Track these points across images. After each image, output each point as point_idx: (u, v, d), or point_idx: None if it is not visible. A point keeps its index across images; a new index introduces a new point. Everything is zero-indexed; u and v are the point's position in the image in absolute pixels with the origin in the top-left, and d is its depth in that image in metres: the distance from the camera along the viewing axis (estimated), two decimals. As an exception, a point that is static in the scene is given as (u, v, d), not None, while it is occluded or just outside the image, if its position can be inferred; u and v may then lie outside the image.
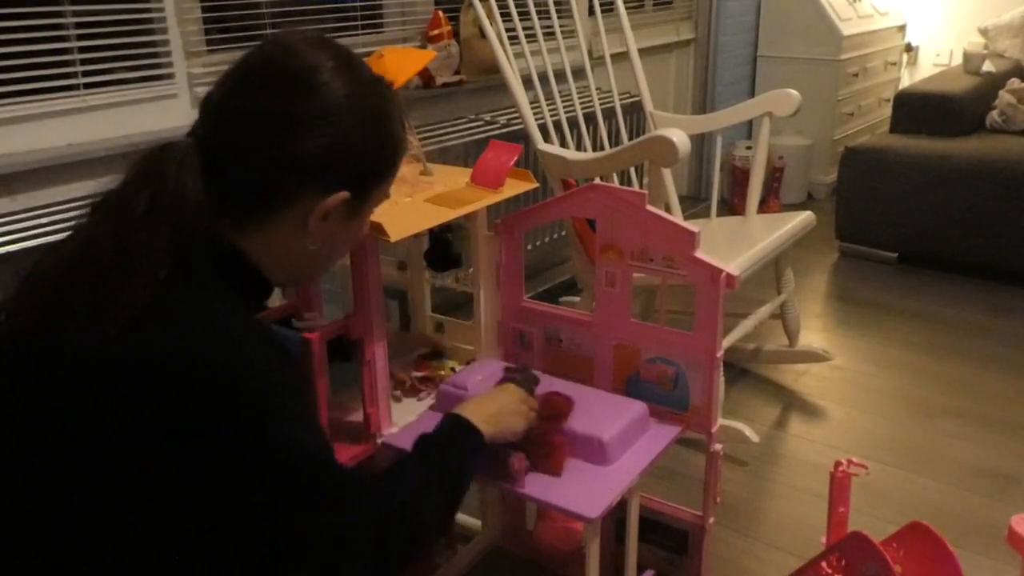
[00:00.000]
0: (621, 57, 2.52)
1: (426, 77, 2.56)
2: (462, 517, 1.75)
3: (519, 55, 2.17)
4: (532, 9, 2.20)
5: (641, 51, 2.58)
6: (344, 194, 0.92)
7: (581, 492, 1.20)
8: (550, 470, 1.24)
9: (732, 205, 3.96)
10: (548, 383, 1.39)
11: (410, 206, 1.29)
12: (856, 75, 4.03)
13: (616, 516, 1.51)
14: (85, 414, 0.79)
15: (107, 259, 0.82)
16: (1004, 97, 3.41)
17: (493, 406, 1.15)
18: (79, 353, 0.80)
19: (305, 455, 0.84)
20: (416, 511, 0.92)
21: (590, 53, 2.69)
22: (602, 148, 2.48)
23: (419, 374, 1.51)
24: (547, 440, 1.25)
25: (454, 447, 1.06)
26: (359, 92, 0.91)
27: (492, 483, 1.24)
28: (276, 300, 1.69)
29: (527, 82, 2.16)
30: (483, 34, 2.13)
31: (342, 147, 0.91)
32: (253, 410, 0.81)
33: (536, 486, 1.22)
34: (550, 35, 2.27)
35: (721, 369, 1.44)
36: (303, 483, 0.82)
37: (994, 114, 3.42)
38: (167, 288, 0.82)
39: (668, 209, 2.35)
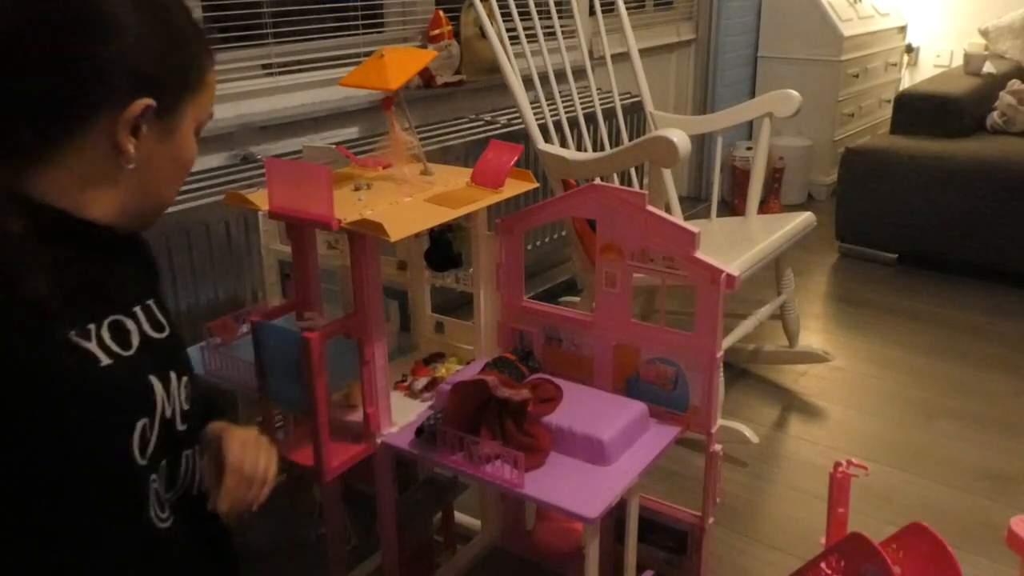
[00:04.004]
0: (622, 57, 2.52)
1: (427, 77, 2.56)
2: (462, 517, 1.75)
3: (520, 55, 2.17)
4: (533, 9, 2.20)
5: (642, 51, 2.58)
6: (147, 100, 0.86)
7: (581, 492, 1.20)
8: (535, 448, 1.25)
9: (732, 206, 3.96)
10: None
11: (410, 206, 1.29)
12: (856, 76, 4.03)
13: (615, 516, 1.51)
14: None
15: None
16: (1004, 98, 3.41)
17: None
18: None
19: None
20: None
21: (591, 53, 2.69)
22: (602, 148, 2.48)
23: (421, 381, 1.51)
24: (535, 421, 1.27)
25: None
26: None
27: (492, 483, 1.24)
28: (276, 299, 1.70)
29: (527, 82, 2.16)
30: (484, 34, 2.13)
31: (132, 47, 0.84)
32: None
33: (536, 486, 1.22)
34: (551, 35, 2.27)
35: (721, 370, 1.44)
36: None
37: (995, 115, 3.42)
38: None
39: (668, 209, 2.35)
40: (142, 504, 0.90)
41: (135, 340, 0.90)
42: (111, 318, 0.88)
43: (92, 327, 0.86)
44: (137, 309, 0.92)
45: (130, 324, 0.91)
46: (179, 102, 0.90)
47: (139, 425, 0.88)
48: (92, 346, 0.85)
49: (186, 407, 0.95)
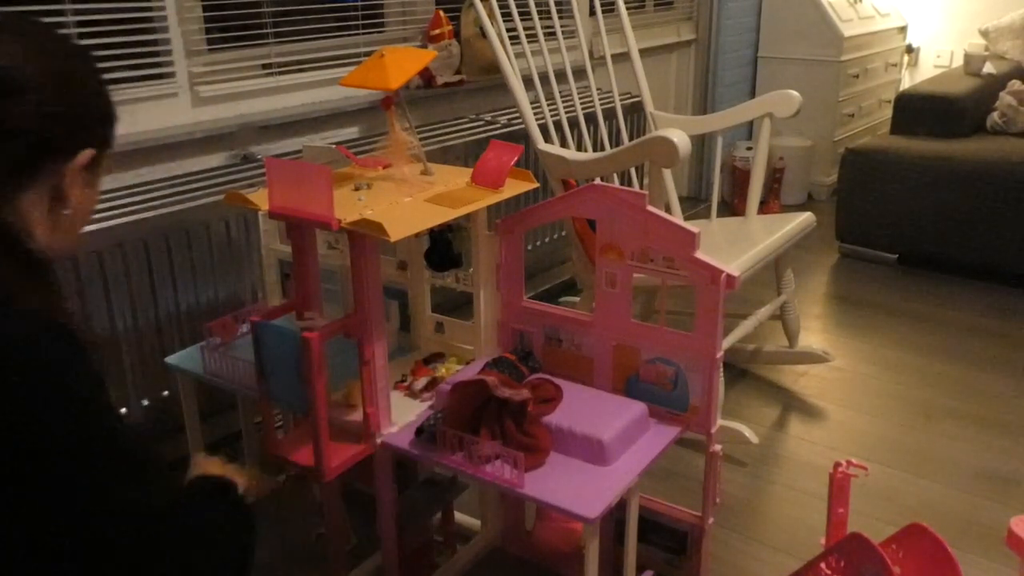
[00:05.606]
0: (622, 57, 2.53)
1: (427, 77, 2.56)
2: (462, 517, 1.75)
3: (520, 55, 2.17)
4: (533, 9, 2.20)
5: (642, 51, 2.58)
6: (91, 151, 0.92)
7: (581, 492, 1.20)
8: (535, 448, 1.25)
9: (732, 206, 3.96)
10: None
11: (410, 206, 1.29)
12: (857, 76, 4.03)
13: (615, 516, 1.51)
14: None
15: None
16: (1004, 99, 3.41)
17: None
18: None
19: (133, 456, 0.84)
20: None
21: (591, 53, 2.69)
22: (602, 148, 2.48)
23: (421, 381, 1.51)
24: (535, 421, 1.27)
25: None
26: (60, 58, 0.91)
27: (492, 483, 1.24)
28: (276, 299, 1.70)
29: (528, 82, 2.16)
30: (484, 34, 2.13)
31: (79, 104, 0.91)
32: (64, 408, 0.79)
33: (536, 486, 1.22)
34: (551, 35, 2.27)
35: (721, 370, 1.44)
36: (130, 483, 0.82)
37: (994, 116, 3.42)
38: None
39: (668, 209, 2.35)
40: None
41: None
42: None
43: None
44: None
45: None
46: (104, 152, 0.97)
47: None
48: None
49: None
